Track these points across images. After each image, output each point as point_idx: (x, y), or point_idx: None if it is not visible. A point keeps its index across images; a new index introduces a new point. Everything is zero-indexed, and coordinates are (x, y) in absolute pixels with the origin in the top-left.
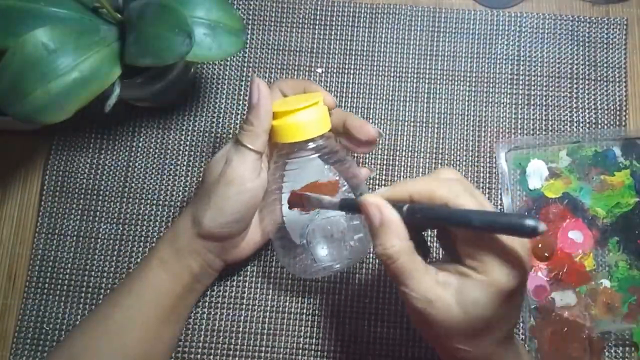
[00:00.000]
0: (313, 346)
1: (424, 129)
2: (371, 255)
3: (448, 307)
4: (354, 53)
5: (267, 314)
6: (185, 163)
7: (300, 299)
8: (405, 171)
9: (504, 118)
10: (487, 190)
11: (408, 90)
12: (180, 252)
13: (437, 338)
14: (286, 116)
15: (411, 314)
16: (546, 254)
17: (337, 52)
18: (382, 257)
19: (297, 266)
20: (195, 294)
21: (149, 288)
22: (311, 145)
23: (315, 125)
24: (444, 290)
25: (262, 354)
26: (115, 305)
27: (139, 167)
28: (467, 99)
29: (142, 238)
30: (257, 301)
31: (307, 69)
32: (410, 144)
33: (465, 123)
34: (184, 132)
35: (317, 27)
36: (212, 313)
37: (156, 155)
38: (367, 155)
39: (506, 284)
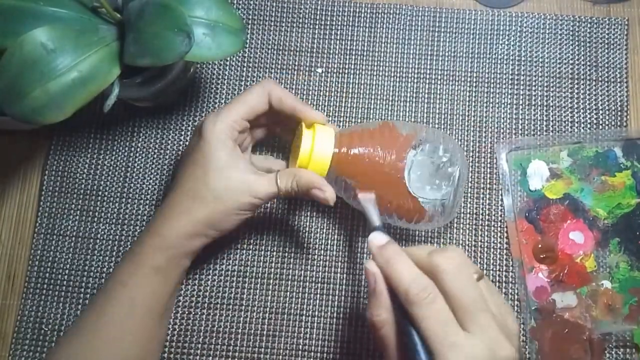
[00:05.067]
0: (312, 347)
1: None
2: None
3: None
4: (354, 53)
5: (266, 314)
6: None
7: (299, 299)
8: None
9: (505, 118)
10: (487, 191)
11: (408, 90)
12: (175, 257)
13: None
14: (312, 156)
15: None
16: (547, 255)
17: (337, 52)
18: (369, 323)
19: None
20: (181, 281)
21: (143, 296)
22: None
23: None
24: None
25: (261, 355)
26: (110, 300)
27: (138, 167)
28: (467, 99)
29: None
30: (256, 302)
31: (307, 69)
32: None
33: (466, 123)
34: (183, 132)
35: (317, 27)
36: (211, 314)
37: (155, 156)
38: None
39: None
